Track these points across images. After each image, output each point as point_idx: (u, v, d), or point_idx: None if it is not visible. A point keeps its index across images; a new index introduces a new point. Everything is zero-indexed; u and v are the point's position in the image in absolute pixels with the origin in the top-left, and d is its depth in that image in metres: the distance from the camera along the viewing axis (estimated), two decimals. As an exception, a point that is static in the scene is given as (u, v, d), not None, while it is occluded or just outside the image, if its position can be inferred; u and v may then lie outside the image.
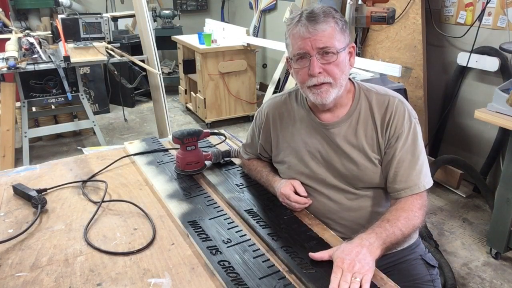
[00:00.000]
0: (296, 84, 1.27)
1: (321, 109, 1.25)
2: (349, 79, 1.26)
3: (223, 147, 1.68)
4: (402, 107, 1.20)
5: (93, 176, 1.51)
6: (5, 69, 2.92)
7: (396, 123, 1.19)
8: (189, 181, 1.46)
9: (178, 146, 1.51)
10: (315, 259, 1.02)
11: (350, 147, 1.22)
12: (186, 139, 1.47)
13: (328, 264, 1.01)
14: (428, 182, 1.19)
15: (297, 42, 1.14)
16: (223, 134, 1.75)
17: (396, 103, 1.20)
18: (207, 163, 1.56)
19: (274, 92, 4.09)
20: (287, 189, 1.27)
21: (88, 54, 3.18)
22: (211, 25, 4.74)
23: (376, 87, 1.28)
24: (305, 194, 1.28)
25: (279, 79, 4.18)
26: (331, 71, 1.14)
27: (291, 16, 1.17)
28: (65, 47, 3.14)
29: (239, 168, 1.55)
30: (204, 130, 1.55)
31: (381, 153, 1.21)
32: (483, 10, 2.69)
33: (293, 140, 1.31)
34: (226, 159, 1.60)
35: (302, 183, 1.29)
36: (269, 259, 1.05)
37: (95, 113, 4.24)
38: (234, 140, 1.84)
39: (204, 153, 1.54)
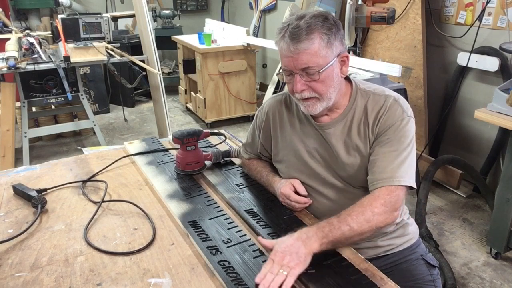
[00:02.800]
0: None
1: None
2: (348, 78, 1.26)
3: (223, 147, 1.68)
4: (396, 105, 1.19)
5: (93, 176, 1.51)
6: (5, 69, 2.92)
7: (386, 119, 1.17)
8: (189, 181, 1.45)
9: (178, 146, 1.51)
10: (261, 244, 1.07)
11: (345, 146, 1.22)
12: (186, 139, 1.47)
13: (328, 265, 1.02)
14: (406, 179, 1.11)
15: (282, 58, 1.15)
16: (223, 134, 1.75)
17: (391, 101, 1.19)
18: (207, 163, 1.56)
19: (274, 92, 4.09)
20: (287, 188, 1.27)
21: (88, 54, 3.17)
22: (211, 25, 4.74)
23: (375, 86, 1.27)
24: (305, 193, 1.28)
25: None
26: (315, 88, 1.14)
27: (280, 26, 1.15)
28: (65, 47, 3.14)
29: (239, 168, 1.55)
30: (204, 130, 1.55)
31: (371, 149, 1.20)
32: (483, 10, 2.69)
33: (292, 139, 1.31)
34: (226, 159, 1.60)
35: (302, 182, 1.29)
36: (269, 259, 1.05)
37: (95, 113, 4.24)
38: (234, 140, 1.84)
39: (204, 153, 1.54)
